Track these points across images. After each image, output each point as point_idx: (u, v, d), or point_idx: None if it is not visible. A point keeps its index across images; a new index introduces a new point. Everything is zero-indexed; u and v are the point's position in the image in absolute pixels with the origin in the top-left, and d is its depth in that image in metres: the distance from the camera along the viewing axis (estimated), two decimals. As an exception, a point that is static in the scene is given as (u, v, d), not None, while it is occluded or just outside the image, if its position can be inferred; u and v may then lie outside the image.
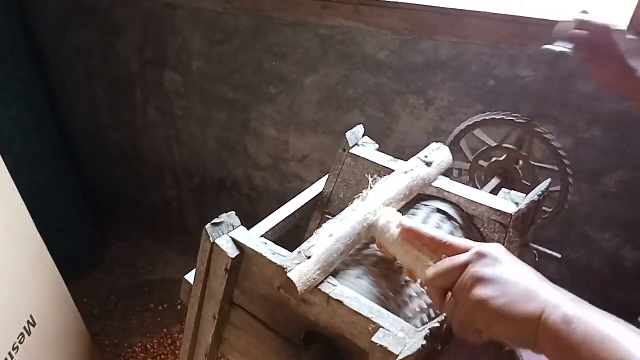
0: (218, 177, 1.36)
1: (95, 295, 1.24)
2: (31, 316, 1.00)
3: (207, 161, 1.34)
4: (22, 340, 0.98)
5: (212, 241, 0.60)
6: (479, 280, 0.47)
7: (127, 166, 1.51)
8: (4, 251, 0.92)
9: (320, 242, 0.54)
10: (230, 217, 0.60)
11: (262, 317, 0.64)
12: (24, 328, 0.98)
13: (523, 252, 0.65)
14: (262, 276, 0.60)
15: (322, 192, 0.79)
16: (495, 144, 0.83)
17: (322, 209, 0.79)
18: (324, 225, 0.56)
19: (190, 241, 1.61)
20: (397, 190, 0.61)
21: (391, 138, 1.06)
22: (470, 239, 0.53)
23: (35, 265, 1.03)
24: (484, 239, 0.65)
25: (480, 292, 0.47)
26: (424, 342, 0.46)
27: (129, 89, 1.32)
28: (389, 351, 0.48)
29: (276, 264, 0.55)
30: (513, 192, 0.67)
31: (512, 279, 0.47)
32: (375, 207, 0.59)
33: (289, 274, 0.52)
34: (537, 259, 0.68)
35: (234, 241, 0.60)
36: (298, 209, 0.76)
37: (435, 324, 0.48)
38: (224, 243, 0.60)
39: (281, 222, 0.72)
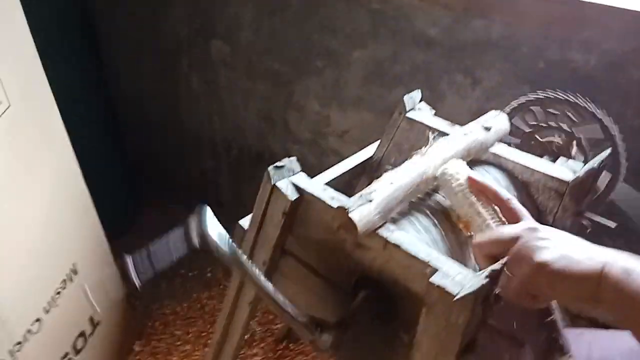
0: (256, 151, 1.39)
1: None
2: (73, 264, 1.04)
3: (246, 134, 1.37)
4: (64, 286, 1.01)
5: (272, 183, 0.62)
6: (537, 248, 0.51)
7: (167, 135, 1.54)
8: (52, 198, 0.95)
9: (380, 188, 0.56)
10: (291, 162, 0.62)
11: (313, 264, 0.66)
12: (67, 275, 1.02)
13: (576, 221, 0.66)
14: (319, 221, 0.61)
15: (372, 156, 0.81)
16: (549, 123, 0.83)
17: (371, 174, 0.81)
18: (384, 175, 0.58)
19: (223, 215, 1.64)
20: (455, 150, 0.63)
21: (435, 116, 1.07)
22: (525, 207, 0.55)
23: (81, 215, 1.06)
24: (537, 207, 0.67)
25: (540, 256, 0.50)
26: (485, 281, 0.48)
27: (175, 58, 1.35)
28: (447, 291, 0.50)
29: (336, 207, 0.57)
30: (571, 160, 0.68)
31: (567, 244, 0.51)
32: (434, 163, 0.60)
33: (350, 214, 0.53)
34: (588, 230, 0.69)
35: (294, 185, 0.62)
36: (347, 171, 0.78)
37: (496, 266, 0.49)
38: (284, 186, 0.62)
39: (327, 183, 0.74)
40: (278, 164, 0.62)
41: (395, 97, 1.10)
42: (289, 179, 0.62)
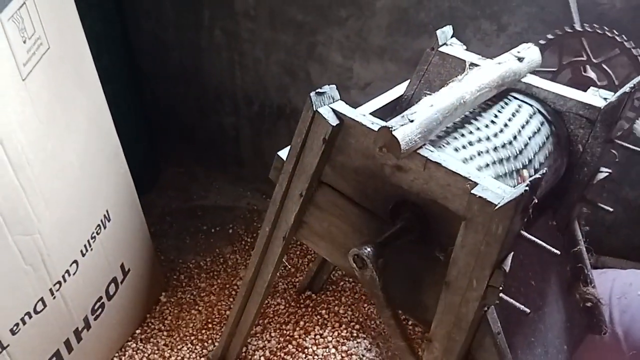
0: (277, 104, 1.40)
1: (150, 215, 1.30)
2: (107, 211, 1.07)
3: (268, 87, 1.38)
4: (98, 232, 1.04)
5: (314, 109, 0.64)
6: None
7: (187, 89, 1.55)
8: (86, 143, 0.97)
9: (421, 109, 0.58)
10: (331, 89, 0.64)
11: (349, 192, 0.68)
12: (101, 220, 1.05)
13: (606, 148, 0.67)
14: (358, 147, 0.63)
15: (402, 95, 0.82)
16: (586, 57, 0.84)
17: (402, 112, 0.82)
18: (424, 98, 0.60)
19: (243, 172, 1.67)
20: (490, 78, 0.65)
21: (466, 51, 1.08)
22: (557, 135, 0.56)
23: (112, 163, 1.08)
24: (569, 135, 0.68)
25: None
26: (525, 190, 0.50)
27: (197, 8, 1.35)
28: (488, 202, 0.52)
29: (377, 130, 0.58)
30: (602, 89, 0.70)
31: None
32: (470, 88, 0.62)
33: (394, 132, 0.55)
34: (617, 160, 0.70)
35: (334, 112, 0.64)
36: (378, 109, 0.80)
37: (537, 176, 0.51)
38: (325, 112, 0.63)
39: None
40: (319, 90, 0.63)
41: (419, 46, 1.11)
42: (330, 105, 0.64)
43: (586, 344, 0.83)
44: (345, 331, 1.22)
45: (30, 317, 0.91)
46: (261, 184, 1.63)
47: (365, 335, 1.23)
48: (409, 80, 0.82)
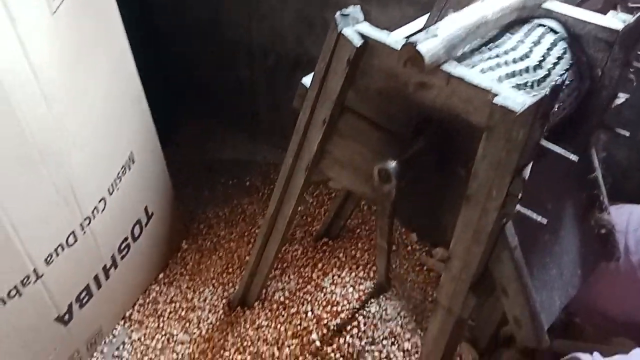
0: (293, 55, 1.41)
1: (169, 168, 1.33)
2: (131, 152, 1.10)
3: (284, 37, 1.39)
4: (124, 172, 1.08)
5: (339, 31, 0.65)
6: None
7: (204, 42, 1.56)
8: (110, 87, 1.00)
9: (444, 26, 0.60)
10: (355, 11, 0.66)
11: (372, 115, 0.70)
12: (125, 161, 1.08)
13: (624, 72, 0.69)
14: (382, 67, 0.65)
15: (422, 28, 0.84)
16: None
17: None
18: (448, 15, 0.61)
19: (258, 126, 1.69)
20: (511, 0, 0.66)
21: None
22: (577, 60, 0.57)
23: (135, 107, 1.11)
24: (588, 59, 0.69)
25: None
26: (546, 95, 0.52)
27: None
28: (509, 109, 0.54)
29: (399, 48, 0.60)
30: (622, 13, 0.71)
31: None
32: (492, 9, 0.63)
33: (417, 47, 0.57)
34: (634, 84, 0.72)
35: (359, 33, 0.65)
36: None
37: (557, 81, 0.53)
38: (350, 33, 0.65)
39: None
40: (343, 11, 0.65)
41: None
42: (354, 27, 0.66)
43: (601, 271, 0.86)
44: (362, 272, 1.26)
45: (63, 249, 0.96)
46: (277, 137, 1.66)
47: (381, 276, 1.26)
48: (428, 14, 0.83)
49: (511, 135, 0.54)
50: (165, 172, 1.29)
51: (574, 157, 0.57)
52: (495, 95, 0.56)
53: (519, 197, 0.58)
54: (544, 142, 0.57)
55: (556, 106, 0.60)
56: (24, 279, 0.90)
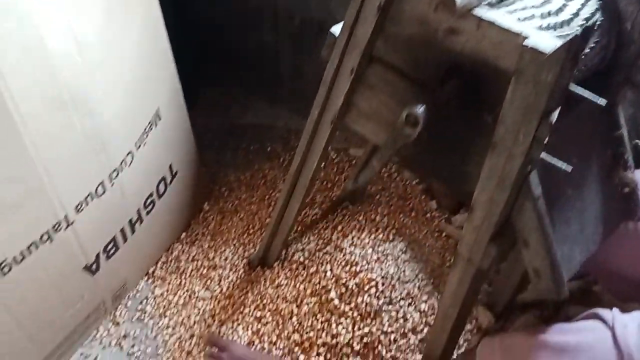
0: (318, 19, 1.42)
1: (192, 130, 1.35)
2: (158, 108, 1.12)
3: (309, 1, 1.39)
4: (151, 127, 1.10)
5: (368, -24, 0.66)
6: None
7: (229, 5, 1.56)
8: (140, 41, 1.01)
9: (476, -30, 0.60)
10: (388, -44, 0.66)
11: (400, 64, 0.71)
12: (153, 117, 1.10)
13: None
14: (412, 13, 0.66)
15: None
16: None
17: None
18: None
19: (281, 92, 1.70)
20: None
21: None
22: (607, 12, 0.56)
23: (162, 63, 1.13)
24: (618, 13, 0.69)
25: None
26: (577, 33, 0.52)
27: None
28: (539, 51, 0.54)
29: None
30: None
31: None
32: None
33: (450, -12, 0.58)
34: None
35: (390, -22, 0.66)
36: None
37: (589, 24, 0.53)
38: (382, -22, 0.66)
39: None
40: (376, -43, 0.66)
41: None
42: (385, -28, 0.66)
43: (622, 230, 0.86)
44: (382, 235, 1.28)
45: (92, 199, 0.99)
46: (299, 104, 1.66)
47: (401, 239, 1.28)
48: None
49: (540, 77, 0.55)
50: (190, 132, 1.31)
51: (601, 101, 0.57)
52: (526, 37, 0.56)
53: (546, 141, 0.58)
54: (573, 86, 0.57)
55: (586, 51, 0.61)
56: (55, 224, 0.93)
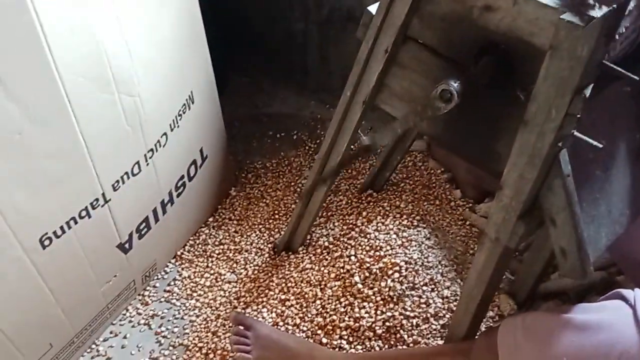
0: (347, 8, 1.44)
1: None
2: (191, 92, 1.15)
3: (339, -11, 1.42)
4: (184, 110, 1.13)
5: (408, -46, 0.68)
6: None
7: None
8: (177, 25, 1.04)
9: (513, -51, 0.61)
10: None
11: (435, 43, 0.73)
12: (186, 100, 1.13)
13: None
14: (448, -9, 0.68)
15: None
16: None
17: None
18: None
19: (308, 82, 1.72)
20: None
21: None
22: None
23: (197, 47, 1.16)
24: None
25: None
26: (612, 10, 0.54)
27: None
28: (575, 24, 0.56)
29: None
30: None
31: None
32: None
33: (488, -35, 0.59)
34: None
35: (427, -43, 0.68)
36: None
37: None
38: (419, -43, 0.68)
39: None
40: None
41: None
42: (423, -48, 0.68)
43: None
44: (406, 221, 1.29)
45: (129, 177, 1.02)
46: (325, 93, 1.69)
47: (425, 226, 1.30)
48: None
49: (575, 51, 0.56)
50: (220, 117, 1.34)
51: (635, 77, 0.58)
52: (563, 12, 0.58)
53: (578, 116, 0.60)
54: (607, 62, 0.58)
55: (619, 31, 0.62)
56: (93, 201, 0.96)
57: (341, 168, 1.30)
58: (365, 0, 1.39)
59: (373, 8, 0.76)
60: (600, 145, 0.62)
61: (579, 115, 0.60)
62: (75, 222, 0.95)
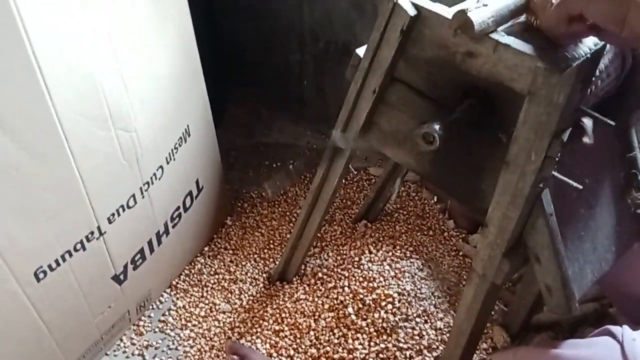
0: (343, 41, 1.47)
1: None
2: (188, 125, 1.17)
3: (335, 23, 1.44)
4: (180, 143, 1.15)
5: (394, 1, 0.71)
6: None
7: (256, 25, 1.62)
8: (174, 59, 1.07)
9: (493, -2, 0.64)
10: (409, -16, 0.71)
11: (420, 85, 0.75)
12: (182, 133, 1.15)
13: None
14: (433, 37, 0.70)
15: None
16: None
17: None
18: (496, -10, 0.66)
19: (304, 112, 1.75)
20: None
21: None
22: None
23: (193, 81, 1.19)
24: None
25: None
26: (587, 57, 0.56)
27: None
28: (551, 71, 0.58)
29: (450, 16, 0.65)
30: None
31: None
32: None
33: (468, 13, 0.62)
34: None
35: (412, 4, 0.71)
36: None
37: (598, 47, 0.57)
38: (404, 3, 0.70)
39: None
40: (399, -16, 0.70)
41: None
42: (408, -2, 0.71)
43: (635, 251, 0.88)
44: (399, 252, 1.30)
45: (124, 210, 1.03)
46: (321, 124, 1.72)
47: (417, 257, 1.31)
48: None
49: (552, 98, 0.58)
50: (217, 148, 1.36)
51: (610, 122, 0.60)
52: (540, 60, 0.60)
53: (557, 159, 0.61)
54: (584, 108, 0.60)
55: (597, 73, 0.64)
56: (89, 234, 0.97)
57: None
58: (359, 35, 1.43)
59: (361, 50, 0.79)
60: (581, 187, 0.64)
61: (557, 159, 0.62)
62: (70, 255, 0.96)
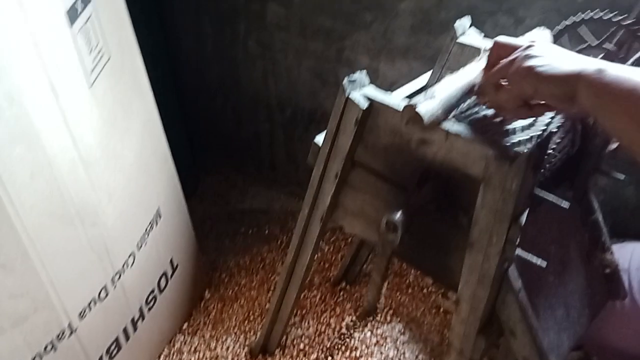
0: (309, 110, 1.50)
1: (192, 219, 1.40)
2: (159, 208, 1.17)
3: (300, 93, 1.48)
4: (152, 227, 1.15)
5: (347, 95, 0.72)
6: (528, 56, 0.59)
7: (225, 100, 1.65)
8: (141, 147, 1.07)
9: (441, 88, 0.66)
10: (361, 76, 0.73)
11: (380, 169, 0.76)
12: (153, 217, 1.15)
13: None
14: (386, 126, 0.72)
15: (426, 84, 0.91)
16: (596, 43, 0.89)
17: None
18: (444, 78, 0.68)
19: (276, 176, 1.76)
20: (502, 60, 0.72)
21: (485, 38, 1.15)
22: None
23: (162, 165, 1.19)
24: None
25: (529, 62, 0.58)
26: (535, 148, 0.57)
27: (233, 22, 1.45)
28: (502, 162, 0.59)
29: (401, 109, 0.67)
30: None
31: (556, 53, 0.59)
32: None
33: (417, 108, 0.64)
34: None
35: (365, 96, 0.72)
36: (406, 97, 0.88)
37: (541, 139, 0.59)
38: (357, 97, 0.72)
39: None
40: (351, 77, 0.72)
41: (441, 43, 1.18)
42: (360, 90, 0.73)
43: (607, 310, 0.89)
44: (379, 316, 1.29)
45: (95, 303, 1.01)
46: (294, 187, 1.73)
47: (398, 320, 1.30)
48: (431, 71, 0.90)
49: (506, 185, 0.60)
50: (189, 224, 1.35)
51: (565, 204, 0.62)
52: (490, 148, 0.61)
53: (517, 242, 0.62)
54: (538, 191, 0.62)
55: (551, 150, 0.66)
56: (59, 333, 0.95)
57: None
58: (324, 103, 1.46)
59: (319, 139, 0.80)
60: (544, 265, 0.65)
61: (518, 240, 0.62)
62: (40, 358, 0.93)
